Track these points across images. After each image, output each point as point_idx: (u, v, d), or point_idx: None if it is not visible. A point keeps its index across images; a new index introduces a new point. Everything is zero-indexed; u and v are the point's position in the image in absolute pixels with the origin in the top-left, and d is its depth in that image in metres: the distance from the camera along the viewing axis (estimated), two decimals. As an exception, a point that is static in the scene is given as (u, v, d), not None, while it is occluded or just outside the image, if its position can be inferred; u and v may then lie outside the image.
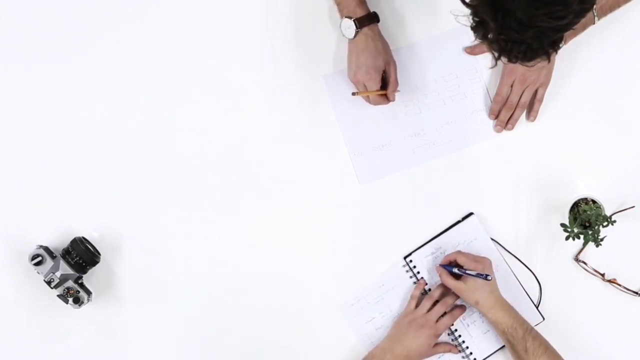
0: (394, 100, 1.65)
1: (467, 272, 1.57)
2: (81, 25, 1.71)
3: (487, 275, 1.55)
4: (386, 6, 1.69)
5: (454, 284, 1.60)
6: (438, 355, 1.66)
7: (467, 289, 1.58)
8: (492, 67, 1.45)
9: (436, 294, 1.65)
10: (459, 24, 1.25)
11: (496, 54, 1.24)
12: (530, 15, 1.15)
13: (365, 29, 1.59)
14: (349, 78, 1.63)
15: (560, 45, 1.24)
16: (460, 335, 1.66)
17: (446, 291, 1.65)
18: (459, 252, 1.62)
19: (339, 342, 1.67)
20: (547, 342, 1.56)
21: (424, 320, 1.62)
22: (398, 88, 1.66)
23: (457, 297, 1.64)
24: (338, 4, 1.62)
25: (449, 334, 1.67)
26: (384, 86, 1.64)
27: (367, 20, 1.59)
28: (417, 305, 1.65)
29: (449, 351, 1.65)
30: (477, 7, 1.19)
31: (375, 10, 1.62)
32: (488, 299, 1.58)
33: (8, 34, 1.72)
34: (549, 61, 1.26)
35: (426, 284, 1.67)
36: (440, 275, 1.63)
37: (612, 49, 1.67)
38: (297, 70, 1.69)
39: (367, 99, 1.66)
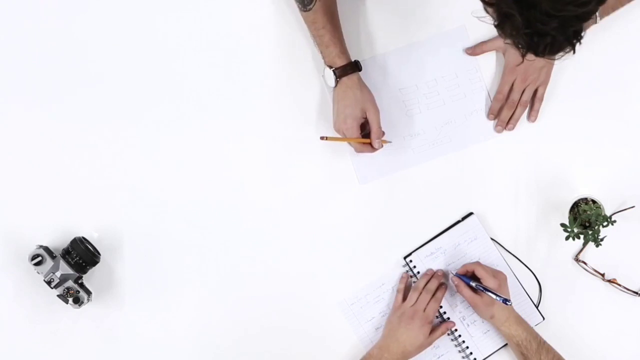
0: (379, 147, 1.62)
1: (489, 292, 1.57)
2: (82, 26, 1.71)
3: (506, 300, 1.55)
4: (387, 6, 1.69)
5: (470, 296, 1.60)
6: (438, 356, 1.66)
7: (483, 303, 1.59)
8: (519, 64, 1.45)
9: (421, 284, 1.65)
10: (483, 22, 1.23)
11: (523, 51, 1.23)
12: (555, 4, 1.14)
13: (345, 79, 1.60)
14: (333, 127, 1.64)
15: (582, 35, 1.22)
16: (460, 335, 1.66)
17: (429, 279, 1.66)
18: (478, 263, 1.62)
19: (339, 341, 1.67)
20: (560, 355, 1.58)
21: (413, 312, 1.62)
22: (386, 138, 1.65)
23: (440, 283, 1.64)
24: (321, 52, 1.62)
25: (448, 334, 1.67)
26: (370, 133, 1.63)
27: (347, 70, 1.60)
28: (404, 299, 1.65)
29: (447, 331, 1.65)
30: (501, 3, 1.18)
31: (357, 59, 1.62)
32: (502, 313, 1.59)
33: (8, 31, 1.71)
34: (574, 52, 1.25)
35: (410, 277, 1.67)
36: (457, 286, 1.62)
37: (613, 49, 1.67)
38: (298, 71, 1.69)
39: (352, 146, 1.64)
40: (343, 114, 1.60)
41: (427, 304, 1.62)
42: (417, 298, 1.63)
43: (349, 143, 1.64)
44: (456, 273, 1.64)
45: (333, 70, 1.59)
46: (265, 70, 1.70)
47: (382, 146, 1.63)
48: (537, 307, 1.66)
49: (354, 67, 1.61)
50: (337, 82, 1.60)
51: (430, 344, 1.63)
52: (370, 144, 1.62)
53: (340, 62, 1.60)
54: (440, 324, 1.65)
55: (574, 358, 1.59)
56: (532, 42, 1.20)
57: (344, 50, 1.61)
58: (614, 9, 1.61)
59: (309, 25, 1.62)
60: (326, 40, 1.60)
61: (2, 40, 1.71)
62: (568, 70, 1.68)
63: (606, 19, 1.61)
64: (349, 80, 1.60)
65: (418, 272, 1.67)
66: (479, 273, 1.59)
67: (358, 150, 1.64)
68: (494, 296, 1.56)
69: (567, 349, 1.58)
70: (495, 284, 1.58)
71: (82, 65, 1.71)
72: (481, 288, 1.58)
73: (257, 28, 1.71)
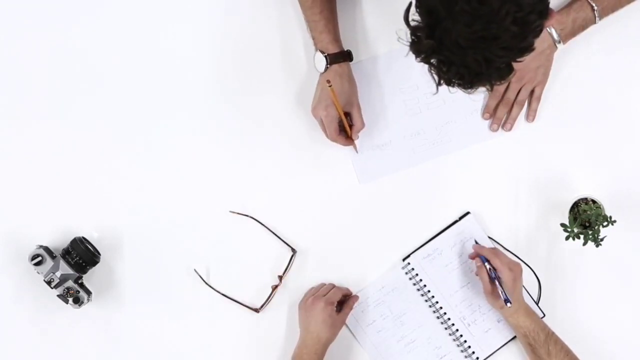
0: (356, 139, 1.64)
1: (500, 287, 1.56)
2: (81, 32, 1.72)
3: (508, 301, 1.55)
4: (387, 6, 1.69)
5: (486, 283, 1.60)
6: (441, 356, 1.66)
7: (495, 293, 1.58)
8: (434, 94, 1.33)
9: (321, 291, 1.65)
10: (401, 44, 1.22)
11: (436, 78, 1.22)
12: (464, 33, 1.13)
13: (335, 66, 1.59)
14: (310, 111, 1.63)
15: (509, 76, 1.21)
16: (462, 335, 1.66)
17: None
18: (495, 253, 1.61)
19: (340, 346, 1.66)
20: (567, 346, 1.58)
21: (313, 299, 1.62)
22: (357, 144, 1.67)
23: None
24: (313, 37, 1.62)
25: (450, 334, 1.67)
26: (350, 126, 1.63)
27: (339, 58, 1.60)
28: None
29: (353, 304, 1.65)
30: (417, 25, 1.19)
31: (350, 49, 1.62)
32: (512, 305, 1.58)
33: (9, 36, 1.72)
34: (491, 90, 1.22)
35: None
36: (478, 267, 1.61)
37: (612, 49, 1.67)
38: (297, 70, 1.69)
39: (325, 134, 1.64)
40: (325, 101, 1.59)
41: (328, 291, 1.63)
42: (318, 290, 1.64)
43: (323, 130, 1.63)
44: (480, 254, 1.62)
45: (325, 56, 1.59)
46: (264, 71, 1.71)
47: (357, 139, 1.64)
48: (537, 304, 1.66)
49: (346, 56, 1.61)
50: (326, 68, 1.59)
51: (342, 321, 1.63)
52: (347, 136, 1.62)
53: (333, 49, 1.59)
54: (347, 299, 1.65)
55: (574, 352, 1.58)
56: (442, 68, 1.19)
57: (337, 38, 1.61)
58: (614, 9, 1.61)
59: (304, 10, 1.62)
60: (321, 26, 1.59)
61: (5, 43, 1.71)
62: (567, 70, 1.68)
63: (606, 19, 1.61)
64: (340, 68, 1.59)
65: (417, 274, 1.67)
66: (495, 263, 1.58)
67: (332, 139, 1.62)
68: (501, 294, 1.55)
69: (567, 344, 1.58)
70: (510, 277, 1.57)
71: (82, 67, 1.71)
72: (496, 282, 1.57)
73: (254, 28, 1.71)
